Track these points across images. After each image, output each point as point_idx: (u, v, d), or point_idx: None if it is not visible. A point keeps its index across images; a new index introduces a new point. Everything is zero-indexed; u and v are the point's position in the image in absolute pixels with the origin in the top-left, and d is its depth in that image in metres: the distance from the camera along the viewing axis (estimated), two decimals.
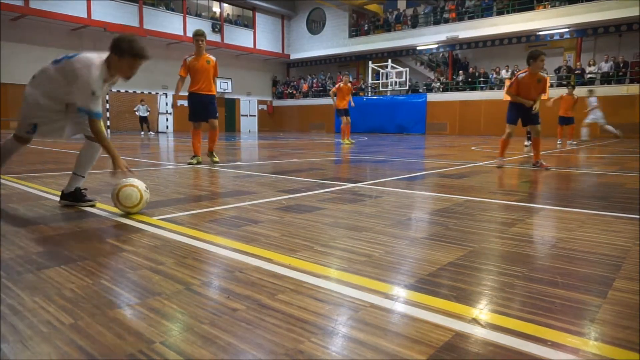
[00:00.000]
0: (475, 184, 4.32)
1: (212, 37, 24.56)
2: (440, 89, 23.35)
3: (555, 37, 20.27)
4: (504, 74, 20.89)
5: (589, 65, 19.24)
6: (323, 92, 27.61)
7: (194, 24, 23.62)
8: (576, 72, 19.22)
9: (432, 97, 23.05)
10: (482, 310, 1.40)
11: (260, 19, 28.51)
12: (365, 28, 26.64)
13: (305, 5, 29.14)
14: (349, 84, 12.12)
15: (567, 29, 19.52)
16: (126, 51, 2.68)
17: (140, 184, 2.75)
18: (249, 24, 28.20)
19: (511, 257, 1.98)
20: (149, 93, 23.00)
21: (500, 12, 21.26)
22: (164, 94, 23.60)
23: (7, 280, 1.62)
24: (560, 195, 3.90)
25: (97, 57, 2.71)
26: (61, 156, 6.96)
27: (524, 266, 1.84)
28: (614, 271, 1.78)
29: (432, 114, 22.86)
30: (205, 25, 24.81)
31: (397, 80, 23.77)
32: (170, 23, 23.79)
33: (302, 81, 29.96)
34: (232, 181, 4.50)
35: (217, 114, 6.25)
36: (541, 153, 6.23)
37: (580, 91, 12.46)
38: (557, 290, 1.57)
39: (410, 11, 25.46)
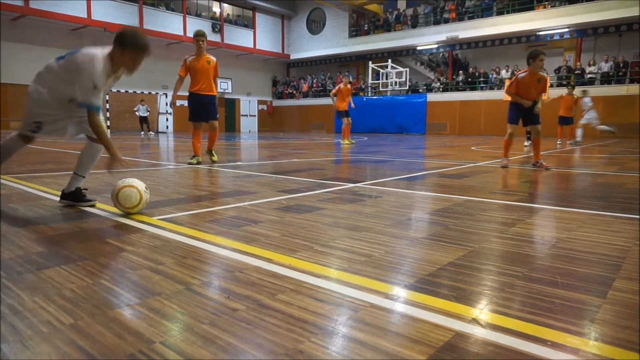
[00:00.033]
0: (475, 184, 4.32)
1: (212, 37, 24.57)
2: (440, 89, 23.36)
3: (555, 37, 20.28)
4: (504, 74, 20.90)
5: (589, 65, 19.25)
6: (323, 92, 27.61)
7: (194, 24, 23.64)
8: (576, 72, 19.23)
9: (432, 97, 23.06)
10: (482, 310, 1.40)
11: (260, 19, 28.51)
12: (365, 28, 26.64)
13: (305, 5, 29.15)
14: (349, 85, 12.12)
15: (567, 29, 19.52)
16: (129, 45, 2.68)
17: (139, 184, 2.75)
18: (249, 24, 28.21)
19: (511, 257, 1.98)
20: (149, 93, 22.99)
21: (500, 12, 21.26)
22: (164, 94, 23.60)
23: (7, 280, 1.62)
24: (560, 195, 3.90)
25: (100, 51, 2.71)
26: (61, 156, 6.96)
27: (524, 266, 1.84)
28: (614, 271, 1.78)
29: (432, 114, 22.86)
30: (205, 25, 24.83)
31: (397, 80, 23.78)
32: (170, 23, 23.80)
33: (302, 81, 29.96)
34: (232, 181, 4.50)
35: (217, 115, 6.25)
36: (541, 153, 6.23)
37: (575, 91, 12.41)
38: (557, 290, 1.57)
39: (410, 11, 25.47)
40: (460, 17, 22.54)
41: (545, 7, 19.84)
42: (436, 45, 23.58)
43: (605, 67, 18.70)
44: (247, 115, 29.31)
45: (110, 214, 2.78)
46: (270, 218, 2.72)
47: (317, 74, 29.77)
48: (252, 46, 27.91)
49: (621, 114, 17.26)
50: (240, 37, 27.26)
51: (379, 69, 24.49)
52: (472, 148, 10.70)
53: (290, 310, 1.38)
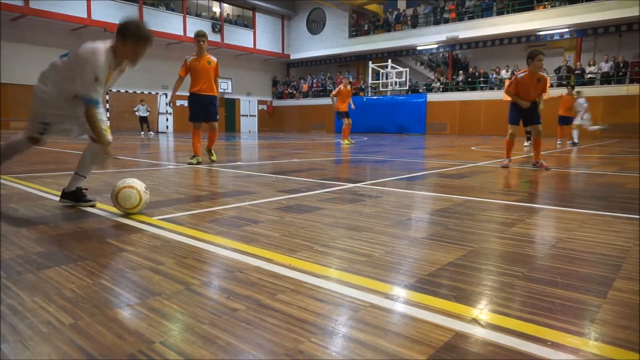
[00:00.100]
0: (475, 184, 4.32)
1: (212, 37, 24.55)
2: (440, 89, 23.35)
3: (555, 37, 20.27)
4: (504, 74, 20.90)
5: (589, 65, 19.25)
6: (323, 92, 27.61)
7: (194, 24, 23.64)
8: (576, 72, 19.23)
9: (432, 97, 23.06)
10: (482, 310, 1.40)
11: (260, 19, 28.51)
12: (365, 28, 26.64)
13: (305, 5, 29.14)
14: (349, 87, 12.13)
15: (567, 29, 19.52)
16: (131, 35, 2.67)
17: (139, 185, 2.75)
18: (249, 24, 28.20)
19: (511, 257, 1.98)
20: (149, 93, 23.00)
21: (500, 12, 21.26)
22: (164, 94, 23.60)
23: (7, 280, 1.62)
24: (560, 195, 3.91)
25: (102, 44, 2.70)
26: (61, 156, 6.96)
27: (524, 266, 1.84)
28: (614, 271, 1.78)
29: (432, 114, 22.87)
30: (205, 25, 24.82)
31: (397, 80, 23.78)
32: (170, 23, 23.79)
33: (302, 81, 29.96)
34: (232, 181, 4.50)
35: (218, 116, 6.25)
36: (541, 153, 6.24)
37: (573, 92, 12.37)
38: (557, 290, 1.57)
39: (410, 11, 25.46)
40: (460, 17, 22.54)
41: (545, 7, 19.84)
42: (436, 45, 23.58)
43: (605, 67, 18.70)
44: (247, 115, 29.31)
45: (111, 214, 2.78)
46: (270, 218, 2.72)
47: (317, 74, 29.76)
48: (252, 46, 27.91)
49: (621, 114, 17.26)
50: (240, 37, 27.26)
51: (379, 69, 24.49)
52: (472, 148, 10.70)
53: (290, 310, 1.38)
